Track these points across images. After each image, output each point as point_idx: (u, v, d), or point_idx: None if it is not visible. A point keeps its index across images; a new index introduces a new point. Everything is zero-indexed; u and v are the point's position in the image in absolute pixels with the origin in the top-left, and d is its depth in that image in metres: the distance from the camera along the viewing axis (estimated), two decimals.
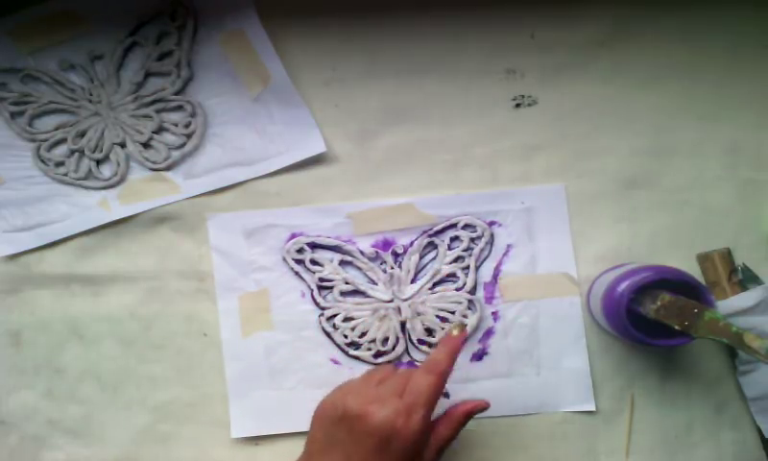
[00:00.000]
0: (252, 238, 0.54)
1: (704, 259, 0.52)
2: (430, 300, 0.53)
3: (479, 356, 0.53)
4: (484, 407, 0.46)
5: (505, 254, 0.53)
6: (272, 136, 0.54)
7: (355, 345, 0.53)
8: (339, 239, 0.53)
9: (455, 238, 0.53)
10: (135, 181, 0.54)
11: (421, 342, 0.53)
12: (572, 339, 0.52)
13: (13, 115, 0.54)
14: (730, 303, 0.50)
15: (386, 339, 0.52)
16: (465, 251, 0.53)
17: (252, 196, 0.54)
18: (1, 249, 0.54)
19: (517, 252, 0.53)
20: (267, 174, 0.54)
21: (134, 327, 0.54)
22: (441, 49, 0.53)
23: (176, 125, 0.54)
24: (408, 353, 0.53)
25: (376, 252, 0.53)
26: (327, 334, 0.53)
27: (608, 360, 0.52)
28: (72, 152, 0.54)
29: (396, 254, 0.53)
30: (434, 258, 0.53)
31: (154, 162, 0.54)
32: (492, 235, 0.53)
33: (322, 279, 0.53)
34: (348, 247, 0.53)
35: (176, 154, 0.54)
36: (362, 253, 0.53)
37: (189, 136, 0.54)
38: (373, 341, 0.52)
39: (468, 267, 0.53)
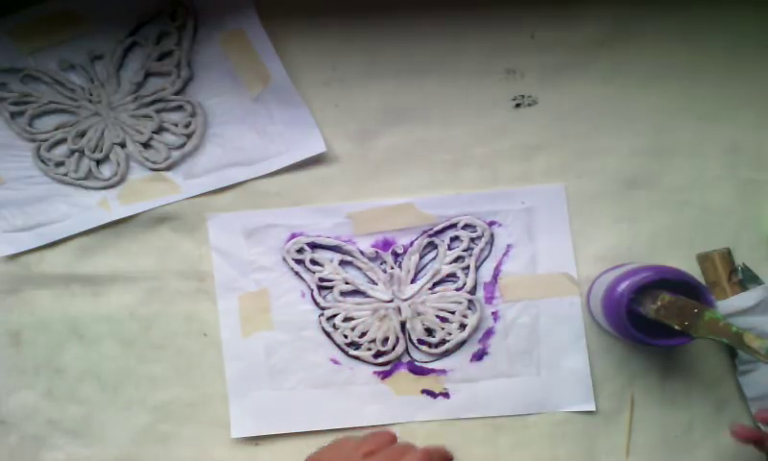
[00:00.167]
0: (252, 238, 0.54)
1: (704, 259, 0.52)
2: (430, 300, 0.53)
3: (479, 356, 0.53)
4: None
5: (505, 255, 0.53)
6: (272, 136, 0.54)
7: (355, 345, 0.53)
8: (339, 239, 0.53)
9: (455, 238, 0.53)
10: (135, 181, 0.54)
11: (421, 342, 0.53)
12: (572, 339, 0.52)
13: (13, 115, 0.54)
14: (730, 303, 0.50)
15: (386, 339, 0.52)
16: (465, 251, 0.53)
17: (251, 196, 0.54)
18: (1, 249, 0.54)
19: (517, 252, 0.53)
20: (267, 174, 0.54)
21: (134, 327, 0.54)
22: (441, 49, 0.53)
23: (176, 125, 0.54)
24: (408, 353, 0.53)
25: (376, 252, 0.53)
26: (327, 334, 0.53)
27: (608, 360, 0.52)
28: (72, 152, 0.54)
29: (395, 254, 0.53)
30: (434, 258, 0.53)
31: (154, 162, 0.54)
32: (491, 235, 0.53)
33: (322, 279, 0.53)
34: (348, 247, 0.53)
35: (176, 154, 0.54)
36: (362, 253, 0.53)
37: (189, 136, 0.54)
38: (373, 341, 0.52)
39: (468, 267, 0.53)
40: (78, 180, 0.54)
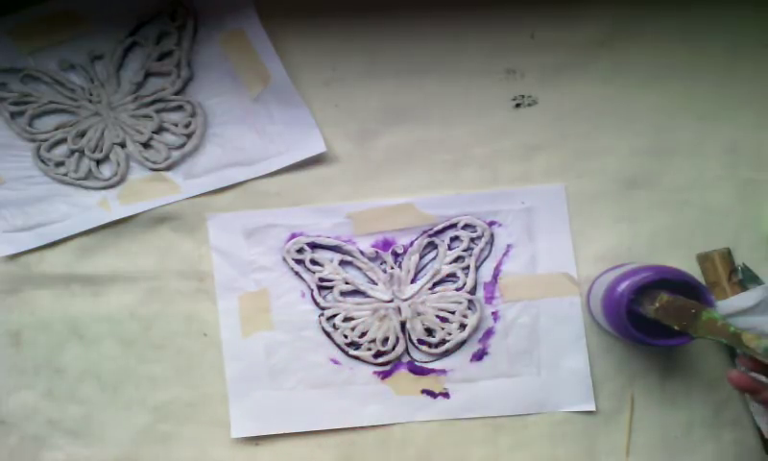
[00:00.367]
0: (252, 238, 0.54)
1: (704, 259, 0.52)
2: (430, 300, 0.53)
3: (479, 356, 0.53)
4: None
5: (505, 255, 0.53)
6: (272, 136, 0.54)
7: (355, 345, 0.53)
8: (339, 239, 0.53)
9: (455, 238, 0.53)
10: (135, 181, 0.54)
11: (421, 342, 0.53)
12: (572, 339, 0.52)
13: (13, 115, 0.54)
14: (730, 303, 0.50)
15: (386, 339, 0.52)
16: (465, 251, 0.53)
17: (252, 196, 0.54)
18: (1, 249, 0.54)
19: (517, 252, 0.53)
20: (267, 174, 0.54)
21: (134, 327, 0.54)
22: (441, 49, 0.53)
23: (176, 125, 0.54)
24: (408, 354, 0.53)
25: (376, 252, 0.53)
26: (327, 334, 0.53)
27: (608, 360, 0.52)
28: (72, 152, 0.54)
29: (396, 254, 0.53)
30: (434, 258, 0.53)
31: (154, 162, 0.54)
32: (491, 235, 0.53)
33: (322, 279, 0.53)
34: (348, 247, 0.53)
35: (176, 154, 0.54)
36: (362, 253, 0.53)
37: (189, 136, 0.54)
38: (373, 341, 0.52)
39: (468, 267, 0.53)
40: (78, 180, 0.54)
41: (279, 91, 0.53)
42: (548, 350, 0.52)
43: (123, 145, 0.54)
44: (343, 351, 0.53)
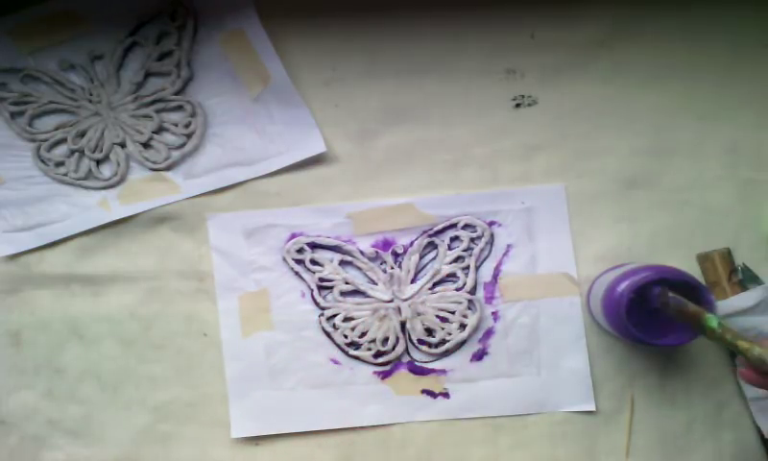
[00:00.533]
0: (252, 238, 0.54)
1: (704, 259, 0.52)
2: (430, 300, 0.53)
3: (479, 356, 0.53)
4: None
5: (505, 255, 0.53)
6: (272, 136, 0.54)
7: (355, 345, 0.53)
8: (339, 239, 0.53)
9: (455, 238, 0.53)
10: (135, 181, 0.54)
11: (421, 342, 0.53)
12: (572, 339, 0.52)
13: (13, 115, 0.54)
14: (730, 303, 0.50)
15: (386, 339, 0.52)
16: (465, 251, 0.53)
17: (252, 196, 0.54)
18: (1, 249, 0.54)
19: (517, 252, 0.53)
20: (267, 174, 0.54)
21: (134, 327, 0.54)
22: (441, 49, 0.53)
23: (176, 125, 0.54)
24: (408, 353, 0.53)
25: (376, 252, 0.53)
26: (327, 334, 0.53)
27: (608, 360, 0.52)
28: (72, 152, 0.54)
29: (396, 254, 0.53)
30: (434, 258, 0.53)
31: (154, 162, 0.54)
32: (491, 235, 0.53)
33: (322, 279, 0.53)
34: (348, 247, 0.53)
35: (176, 154, 0.54)
36: (362, 253, 0.53)
37: (189, 136, 0.54)
38: (373, 341, 0.52)
39: (468, 267, 0.53)
40: (78, 180, 0.54)
41: (279, 91, 0.53)
42: (548, 350, 0.52)
43: (123, 145, 0.54)
44: (343, 351, 0.53)
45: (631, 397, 0.52)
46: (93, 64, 0.54)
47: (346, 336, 0.53)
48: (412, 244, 0.53)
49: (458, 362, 0.53)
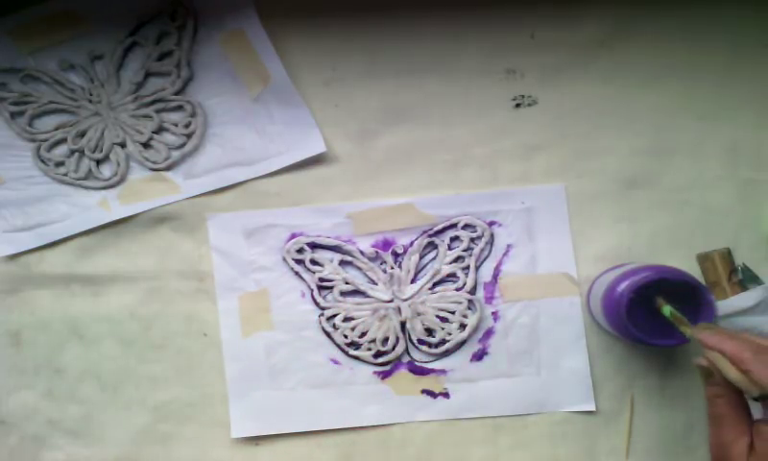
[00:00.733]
0: (252, 238, 0.54)
1: (704, 259, 0.52)
2: (430, 300, 0.53)
3: (479, 356, 0.53)
4: None
5: (505, 255, 0.53)
6: (272, 136, 0.54)
7: (355, 345, 0.53)
8: (339, 239, 0.53)
9: (455, 238, 0.53)
10: (135, 181, 0.54)
11: (421, 342, 0.53)
12: (572, 339, 0.52)
13: (13, 115, 0.54)
14: (730, 303, 0.50)
15: (386, 339, 0.52)
16: (465, 251, 0.53)
17: (252, 196, 0.54)
18: (1, 249, 0.54)
19: (517, 252, 0.53)
20: (267, 174, 0.54)
21: (134, 327, 0.54)
22: (441, 49, 0.53)
23: (176, 125, 0.54)
24: (408, 354, 0.53)
25: (376, 252, 0.53)
26: (327, 334, 0.53)
27: (608, 360, 0.52)
28: (72, 152, 0.54)
29: (396, 254, 0.53)
30: (434, 258, 0.53)
31: (154, 162, 0.54)
32: (491, 235, 0.53)
33: (322, 279, 0.53)
34: (348, 247, 0.53)
35: (176, 154, 0.54)
36: (362, 253, 0.53)
37: (189, 136, 0.54)
38: (373, 341, 0.52)
39: (468, 267, 0.53)
40: (78, 180, 0.54)
41: (279, 91, 0.53)
42: (548, 350, 0.52)
43: (123, 145, 0.54)
44: (343, 351, 0.53)
45: (631, 397, 0.52)
46: (93, 64, 0.54)
47: (346, 336, 0.53)
48: (412, 244, 0.53)
49: (458, 362, 0.53)
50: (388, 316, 0.53)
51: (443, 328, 0.52)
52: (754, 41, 0.53)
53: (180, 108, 0.54)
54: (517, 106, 0.54)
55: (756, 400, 0.38)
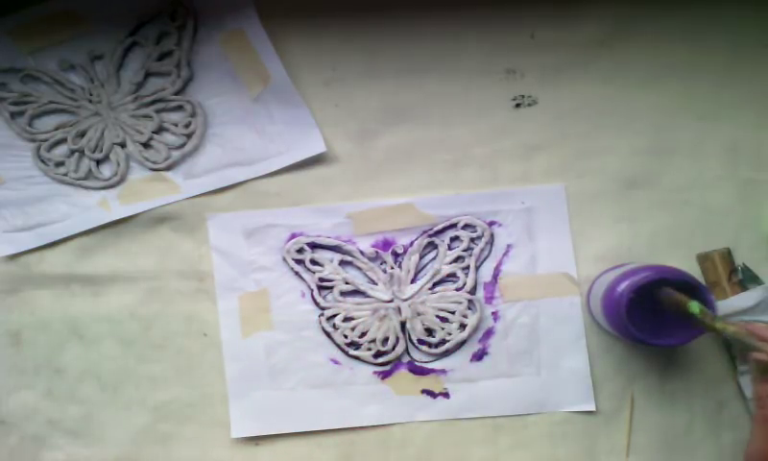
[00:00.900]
0: (252, 238, 0.54)
1: (704, 259, 0.52)
2: (430, 300, 0.53)
3: (479, 356, 0.53)
4: None
5: (505, 255, 0.53)
6: (272, 136, 0.54)
7: (355, 345, 0.53)
8: (339, 239, 0.53)
9: (455, 238, 0.53)
10: (135, 181, 0.54)
11: (421, 342, 0.53)
12: (572, 339, 0.52)
13: (13, 115, 0.54)
14: (730, 303, 0.50)
15: (386, 339, 0.52)
16: (465, 251, 0.53)
17: (252, 196, 0.54)
18: (1, 249, 0.54)
19: (517, 252, 0.53)
20: (267, 174, 0.54)
21: (134, 327, 0.54)
22: (441, 49, 0.53)
23: (176, 125, 0.54)
24: (408, 353, 0.53)
25: (376, 252, 0.53)
26: (327, 334, 0.53)
27: (608, 360, 0.52)
28: (72, 152, 0.54)
29: (396, 254, 0.53)
30: (434, 258, 0.53)
31: (154, 162, 0.54)
32: (491, 235, 0.53)
33: (322, 279, 0.53)
34: (348, 247, 0.53)
35: (176, 154, 0.54)
36: (362, 253, 0.53)
37: (189, 136, 0.54)
38: (373, 341, 0.52)
39: (468, 267, 0.53)
40: (78, 180, 0.54)
41: (279, 91, 0.53)
42: (548, 350, 0.52)
43: (123, 145, 0.54)
44: (343, 351, 0.53)
45: (631, 397, 0.52)
46: (93, 64, 0.54)
47: (346, 336, 0.53)
48: (412, 244, 0.53)
49: (458, 362, 0.53)
50: (388, 316, 0.53)
51: (443, 328, 0.52)
52: (754, 41, 0.53)
53: (180, 108, 0.54)
54: (517, 106, 0.54)
55: None
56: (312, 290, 0.53)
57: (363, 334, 0.53)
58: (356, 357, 0.53)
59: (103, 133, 0.54)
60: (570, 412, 0.52)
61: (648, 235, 0.53)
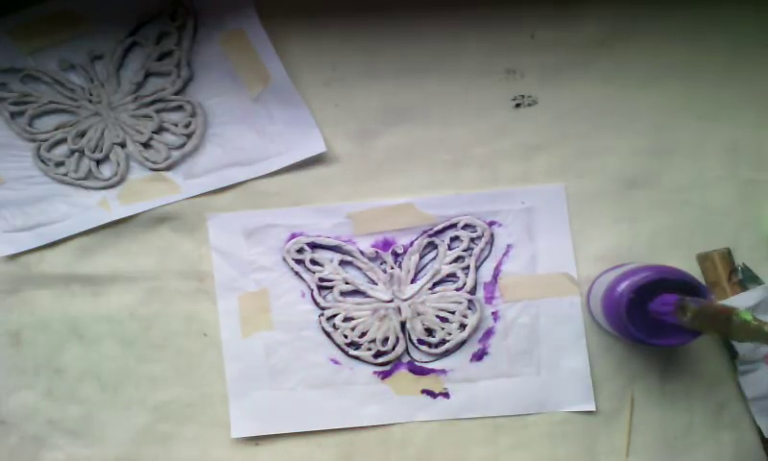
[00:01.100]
0: (252, 238, 0.54)
1: (704, 259, 0.52)
2: (430, 300, 0.53)
3: (479, 356, 0.53)
4: None
5: (505, 255, 0.53)
6: (272, 136, 0.54)
7: (355, 345, 0.53)
8: (339, 239, 0.53)
9: (455, 238, 0.53)
10: (135, 181, 0.54)
11: (421, 342, 0.53)
12: (572, 339, 0.52)
13: (13, 115, 0.54)
14: (729, 303, 0.50)
15: (386, 339, 0.53)
16: (465, 251, 0.53)
17: (252, 196, 0.54)
18: (1, 249, 0.54)
19: (517, 252, 0.53)
20: (267, 174, 0.54)
21: (134, 327, 0.54)
22: (441, 49, 0.53)
23: (176, 125, 0.54)
24: (408, 354, 0.53)
25: (376, 252, 0.53)
26: (327, 334, 0.53)
27: (608, 360, 0.52)
28: (72, 152, 0.54)
29: (396, 254, 0.53)
30: (434, 258, 0.53)
31: (154, 162, 0.54)
32: (491, 235, 0.53)
33: (322, 279, 0.53)
34: (348, 247, 0.53)
35: (176, 154, 0.54)
36: (362, 253, 0.53)
37: (189, 136, 0.54)
38: (373, 341, 0.52)
39: (468, 267, 0.53)
40: (78, 180, 0.54)
41: (279, 91, 0.53)
42: (548, 350, 0.52)
43: (123, 145, 0.54)
44: (343, 351, 0.53)
45: (631, 397, 0.52)
46: (93, 64, 0.54)
47: (346, 336, 0.53)
48: (412, 244, 0.53)
49: (458, 362, 0.53)
50: (388, 316, 0.53)
51: (443, 328, 0.52)
52: (754, 41, 0.53)
53: (180, 108, 0.54)
54: (517, 106, 0.54)
55: None
56: (312, 290, 0.53)
57: (363, 334, 0.53)
58: (356, 357, 0.53)
59: (103, 133, 0.54)
60: (570, 412, 0.52)
61: (648, 235, 0.53)
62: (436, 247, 0.53)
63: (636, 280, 0.45)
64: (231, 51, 0.53)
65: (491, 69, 0.54)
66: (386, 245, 0.53)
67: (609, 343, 0.52)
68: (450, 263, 0.53)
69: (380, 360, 0.53)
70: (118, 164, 0.54)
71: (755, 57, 0.53)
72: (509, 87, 0.54)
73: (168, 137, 0.54)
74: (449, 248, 0.53)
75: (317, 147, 0.53)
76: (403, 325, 0.53)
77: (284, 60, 0.53)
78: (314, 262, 0.53)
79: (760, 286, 0.50)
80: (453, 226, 0.53)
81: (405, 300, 0.53)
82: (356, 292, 0.53)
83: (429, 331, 0.53)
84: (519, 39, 0.53)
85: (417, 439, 0.52)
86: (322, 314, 0.53)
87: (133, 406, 0.54)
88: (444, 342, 0.52)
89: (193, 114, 0.54)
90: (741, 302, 0.50)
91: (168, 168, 0.54)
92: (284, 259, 0.53)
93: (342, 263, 0.53)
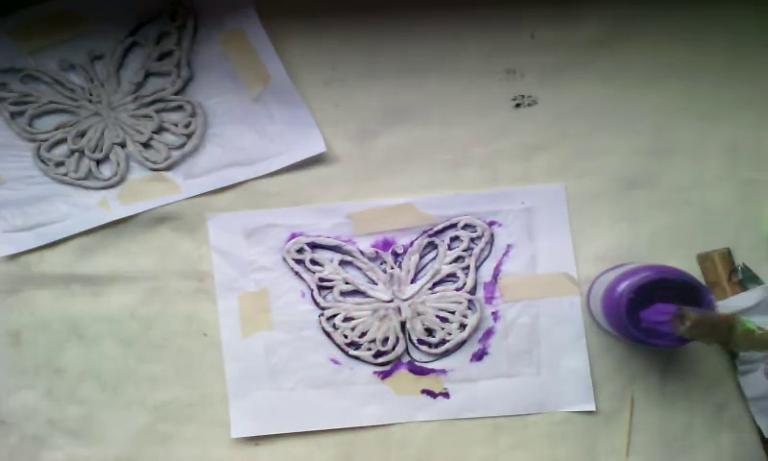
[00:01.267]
0: (252, 238, 0.54)
1: (704, 259, 0.52)
2: (430, 300, 0.53)
3: (479, 356, 0.53)
4: None
5: (505, 255, 0.53)
6: (272, 136, 0.54)
7: (355, 345, 0.53)
8: (339, 239, 0.53)
9: (455, 238, 0.53)
10: (135, 181, 0.54)
11: (421, 342, 0.53)
12: (572, 339, 0.52)
13: (13, 115, 0.54)
14: (729, 304, 0.50)
15: (386, 339, 0.53)
16: (465, 251, 0.53)
17: (252, 196, 0.54)
18: (1, 249, 0.54)
19: (517, 252, 0.53)
20: (267, 174, 0.54)
21: (134, 327, 0.54)
22: (441, 49, 0.53)
23: (176, 125, 0.54)
24: (408, 354, 0.53)
25: (376, 252, 0.53)
26: (327, 334, 0.53)
27: (608, 360, 0.52)
28: (72, 152, 0.54)
29: (396, 254, 0.53)
30: (434, 258, 0.53)
31: (154, 162, 0.54)
32: (491, 235, 0.53)
33: (322, 279, 0.53)
34: (348, 247, 0.53)
35: (176, 154, 0.54)
36: (362, 253, 0.53)
37: (189, 136, 0.54)
38: (373, 341, 0.52)
39: (468, 267, 0.53)
40: (78, 180, 0.54)
41: (279, 91, 0.53)
42: (548, 350, 0.52)
43: (123, 145, 0.54)
44: (343, 351, 0.53)
45: (631, 397, 0.52)
46: (93, 64, 0.54)
47: (346, 336, 0.53)
48: (412, 244, 0.53)
49: (458, 362, 0.53)
50: (388, 316, 0.53)
51: (443, 328, 0.52)
52: (754, 41, 0.53)
53: (180, 108, 0.54)
54: (517, 106, 0.54)
55: None
56: (312, 290, 0.53)
57: (363, 334, 0.53)
58: (356, 357, 0.53)
59: (103, 133, 0.54)
60: (570, 412, 0.52)
61: (648, 235, 0.53)
62: (436, 247, 0.53)
63: (636, 280, 0.45)
64: (231, 51, 0.53)
65: (491, 69, 0.54)
66: (386, 245, 0.53)
67: (609, 343, 0.52)
68: (450, 263, 0.53)
69: (380, 360, 0.53)
70: (118, 164, 0.54)
71: (755, 57, 0.53)
72: (509, 87, 0.54)
73: (168, 137, 0.54)
74: (449, 248, 0.53)
75: (317, 147, 0.53)
76: (403, 325, 0.53)
77: (284, 60, 0.53)
78: (314, 262, 0.53)
79: (760, 286, 0.50)
80: (453, 226, 0.53)
81: (405, 300, 0.53)
82: (356, 292, 0.53)
83: (429, 331, 0.53)
84: (519, 39, 0.53)
85: (417, 439, 0.52)
86: (322, 314, 0.53)
87: (133, 406, 0.54)
88: (444, 342, 0.52)
89: (193, 114, 0.54)
90: (741, 302, 0.50)
91: (168, 168, 0.54)
92: (284, 259, 0.53)
93: (342, 263, 0.53)
